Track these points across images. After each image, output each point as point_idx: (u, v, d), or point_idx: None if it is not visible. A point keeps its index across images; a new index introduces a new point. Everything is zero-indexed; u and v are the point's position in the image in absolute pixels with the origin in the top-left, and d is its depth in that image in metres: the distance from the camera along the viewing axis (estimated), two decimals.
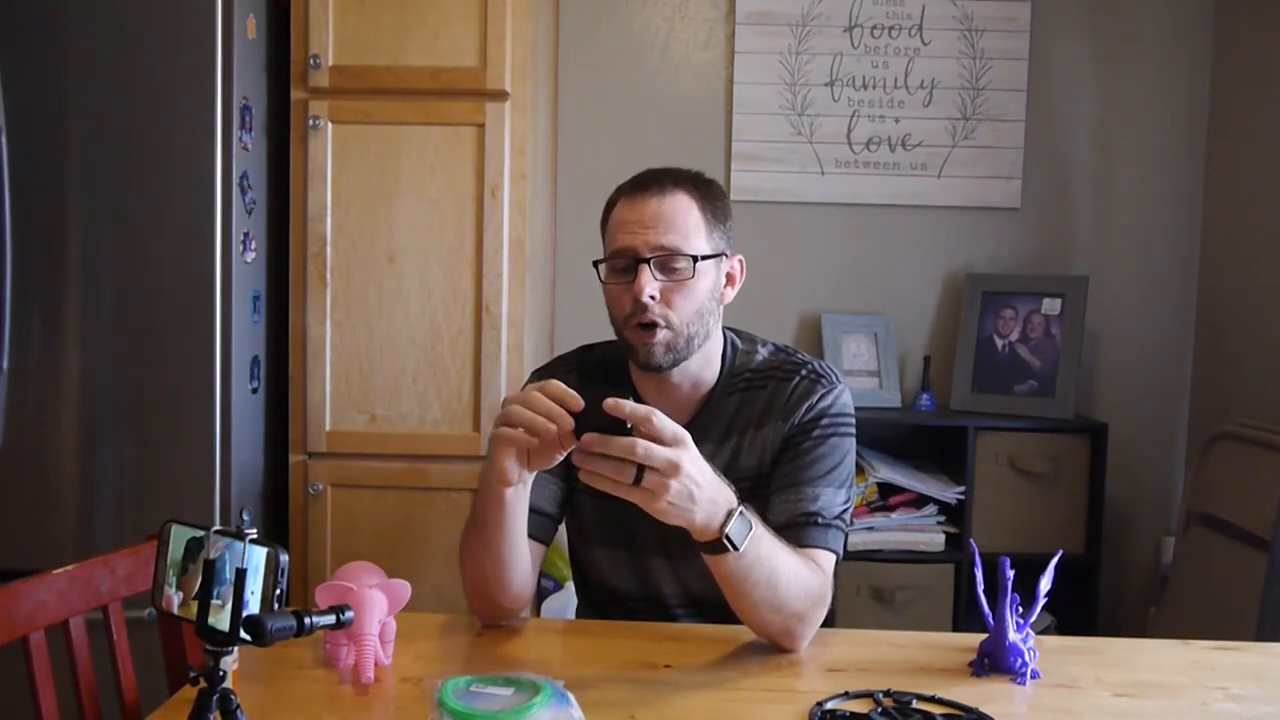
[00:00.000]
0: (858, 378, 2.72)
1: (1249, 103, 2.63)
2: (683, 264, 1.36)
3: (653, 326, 1.35)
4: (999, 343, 2.75)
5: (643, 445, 1.08)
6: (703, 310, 1.38)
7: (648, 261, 1.35)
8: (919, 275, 2.84)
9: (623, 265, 1.38)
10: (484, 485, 1.26)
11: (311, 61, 2.17)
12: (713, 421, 1.44)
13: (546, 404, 1.13)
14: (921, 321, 2.85)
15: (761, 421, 1.43)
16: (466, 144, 2.20)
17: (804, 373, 1.45)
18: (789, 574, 1.24)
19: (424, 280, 2.22)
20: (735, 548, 1.17)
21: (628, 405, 1.09)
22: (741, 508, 1.18)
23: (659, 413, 1.10)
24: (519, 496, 1.26)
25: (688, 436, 1.12)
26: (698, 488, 1.12)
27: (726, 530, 1.16)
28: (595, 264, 1.42)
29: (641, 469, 1.09)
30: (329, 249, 2.21)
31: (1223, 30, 2.75)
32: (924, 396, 2.73)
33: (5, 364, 2.03)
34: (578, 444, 1.11)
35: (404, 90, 2.19)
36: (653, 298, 1.34)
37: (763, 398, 1.44)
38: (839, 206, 2.82)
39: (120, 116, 2.04)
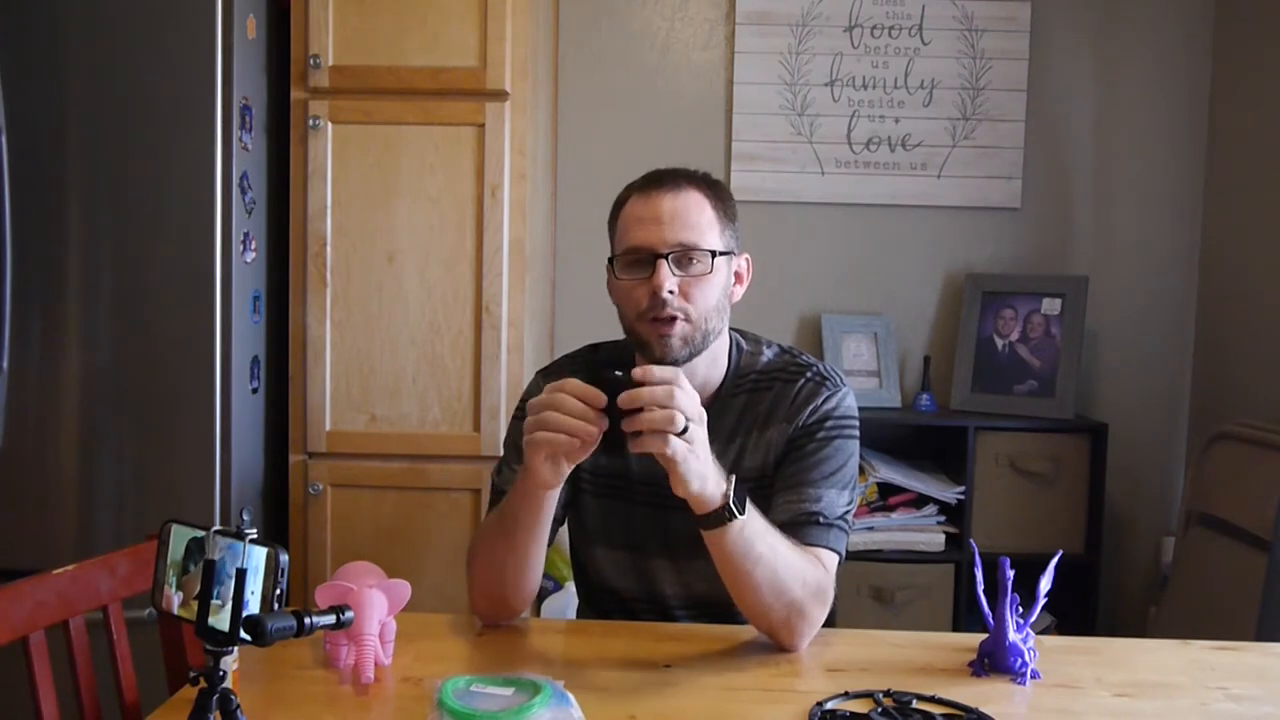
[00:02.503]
0: (858, 378, 2.72)
1: (1249, 103, 2.63)
2: (700, 259, 1.36)
3: (671, 320, 1.36)
4: (999, 343, 2.75)
5: (679, 392, 1.15)
6: (718, 306, 1.39)
7: (665, 257, 1.35)
8: (919, 275, 2.84)
9: (638, 261, 1.38)
10: (521, 491, 1.27)
11: (311, 61, 2.17)
12: (718, 422, 1.44)
13: (577, 405, 1.16)
14: (921, 321, 2.85)
15: (766, 423, 1.44)
16: (466, 144, 2.20)
17: (809, 375, 1.45)
18: (787, 557, 1.26)
19: (424, 280, 2.22)
20: (740, 511, 1.20)
21: (655, 370, 1.16)
22: (735, 477, 1.23)
23: (680, 372, 1.18)
24: (554, 497, 1.29)
25: (697, 396, 1.19)
26: (708, 447, 1.19)
27: (732, 494, 1.20)
28: (610, 260, 1.42)
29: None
30: (329, 249, 2.21)
31: (1223, 30, 2.75)
32: (924, 396, 2.73)
33: (5, 364, 2.03)
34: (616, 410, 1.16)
35: (404, 90, 2.19)
36: (672, 292, 1.35)
37: (768, 399, 1.44)
38: (839, 206, 2.82)
39: (120, 116, 2.04)
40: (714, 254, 1.36)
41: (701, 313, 1.37)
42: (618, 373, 1.16)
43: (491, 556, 1.34)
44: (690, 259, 1.36)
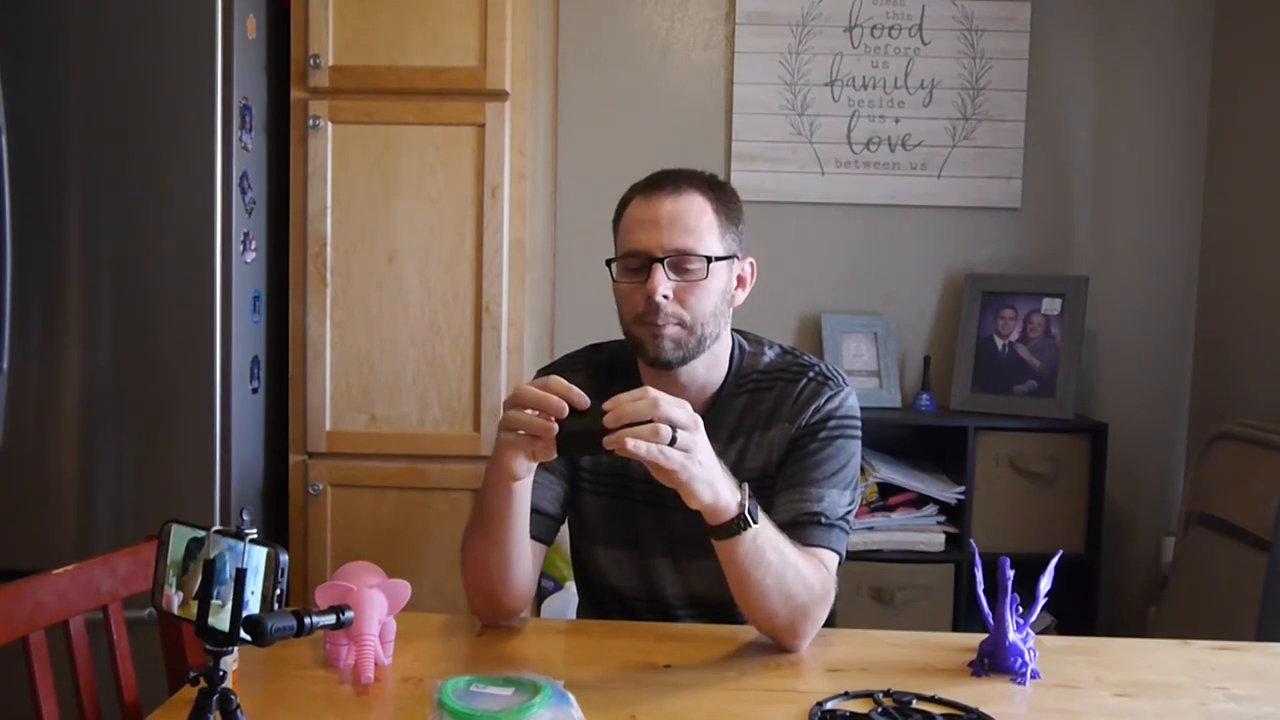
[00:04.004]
0: (858, 378, 2.72)
1: (1249, 103, 2.63)
2: (696, 264, 1.36)
3: (665, 325, 1.36)
4: (999, 343, 2.75)
5: (662, 401, 1.12)
6: (715, 311, 1.38)
7: (661, 261, 1.35)
8: (919, 275, 2.84)
9: (636, 265, 1.38)
10: (490, 482, 1.27)
11: (311, 61, 2.17)
12: (720, 422, 1.44)
13: (538, 397, 1.15)
14: (921, 321, 2.85)
15: (769, 422, 1.43)
16: (466, 144, 2.20)
17: (811, 374, 1.45)
18: (795, 562, 1.26)
19: (424, 280, 2.22)
20: (754, 520, 1.20)
21: (623, 395, 1.14)
22: (747, 485, 1.22)
23: (651, 388, 1.15)
24: (525, 490, 1.27)
25: (686, 403, 1.17)
26: (712, 454, 1.17)
27: (745, 505, 1.19)
28: (608, 262, 1.42)
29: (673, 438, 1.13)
30: (329, 249, 2.21)
31: (1223, 30, 2.75)
32: (924, 396, 2.73)
33: (5, 364, 2.03)
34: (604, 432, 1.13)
35: (404, 90, 2.18)
36: (666, 297, 1.34)
37: (770, 399, 1.44)
38: (839, 206, 2.82)
39: (120, 116, 2.04)
40: (709, 260, 1.36)
41: (696, 318, 1.36)
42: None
43: (475, 554, 1.34)
44: (686, 264, 1.36)
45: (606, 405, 1.13)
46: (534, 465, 1.24)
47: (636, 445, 1.11)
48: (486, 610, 1.38)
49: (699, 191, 1.39)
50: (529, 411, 1.16)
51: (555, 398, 1.15)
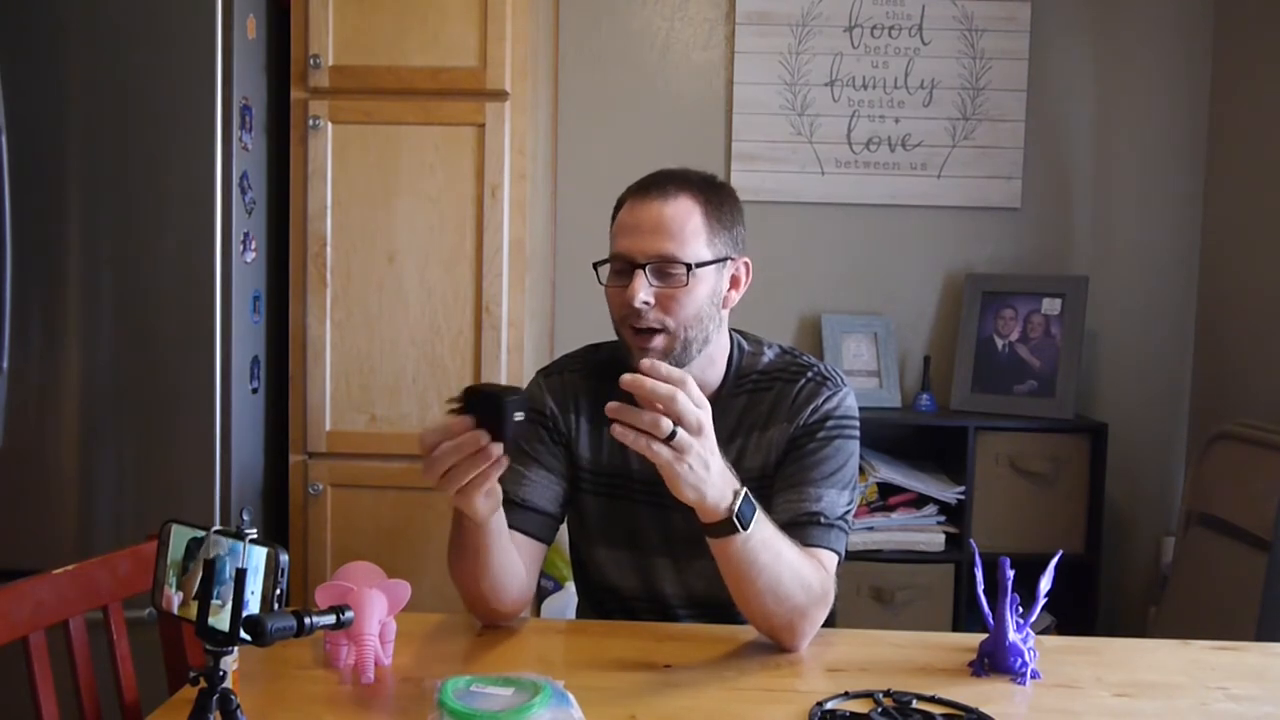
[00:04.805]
0: (858, 378, 2.72)
1: (1249, 103, 2.63)
2: (678, 271, 1.35)
3: (650, 332, 1.35)
4: (999, 343, 2.75)
5: (682, 397, 1.11)
6: (701, 315, 1.37)
7: (643, 268, 1.35)
8: (919, 275, 2.84)
9: (620, 268, 1.38)
10: (460, 522, 1.26)
11: (311, 61, 2.17)
12: (719, 422, 1.42)
13: (454, 445, 1.16)
14: (921, 321, 2.85)
15: (767, 423, 1.43)
16: (466, 144, 2.20)
17: (810, 375, 1.45)
18: (792, 562, 1.25)
19: (424, 280, 2.22)
20: (744, 526, 1.19)
21: (663, 367, 1.13)
22: (745, 490, 1.21)
23: (690, 379, 1.14)
24: (497, 520, 1.26)
25: (708, 408, 1.16)
26: (714, 457, 1.16)
27: (737, 509, 1.18)
28: (595, 265, 1.42)
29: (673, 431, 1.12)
30: (329, 249, 2.21)
31: (1223, 30, 2.75)
32: (924, 396, 2.73)
33: (5, 364, 2.03)
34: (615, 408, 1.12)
35: (404, 90, 2.19)
36: (646, 303, 1.34)
37: (768, 399, 1.44)
38: (839, 206, 2.82)
39: (120, 116, 2.04)
40: (690, 266, 1.35)
41: (679, 323, 1.36)
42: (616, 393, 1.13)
43: (461, 573, 1.33)
44: (668, 270, 1.35)
45: (643, 364, 1.12)
46: (497, 502, 1.22)
47: (624, 433, 1.11)
48: (483, 614, 1.38)
49: (689, 195, 1.38)
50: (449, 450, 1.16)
51: (468, 438, 1.15)
